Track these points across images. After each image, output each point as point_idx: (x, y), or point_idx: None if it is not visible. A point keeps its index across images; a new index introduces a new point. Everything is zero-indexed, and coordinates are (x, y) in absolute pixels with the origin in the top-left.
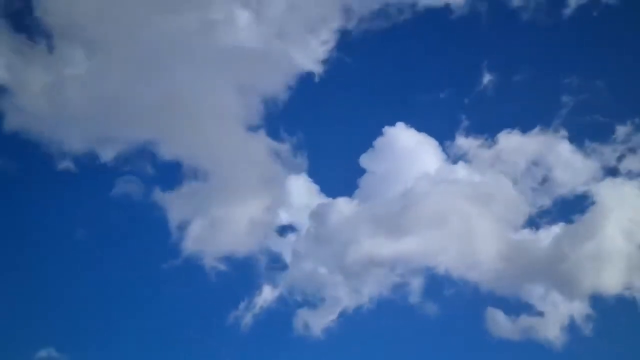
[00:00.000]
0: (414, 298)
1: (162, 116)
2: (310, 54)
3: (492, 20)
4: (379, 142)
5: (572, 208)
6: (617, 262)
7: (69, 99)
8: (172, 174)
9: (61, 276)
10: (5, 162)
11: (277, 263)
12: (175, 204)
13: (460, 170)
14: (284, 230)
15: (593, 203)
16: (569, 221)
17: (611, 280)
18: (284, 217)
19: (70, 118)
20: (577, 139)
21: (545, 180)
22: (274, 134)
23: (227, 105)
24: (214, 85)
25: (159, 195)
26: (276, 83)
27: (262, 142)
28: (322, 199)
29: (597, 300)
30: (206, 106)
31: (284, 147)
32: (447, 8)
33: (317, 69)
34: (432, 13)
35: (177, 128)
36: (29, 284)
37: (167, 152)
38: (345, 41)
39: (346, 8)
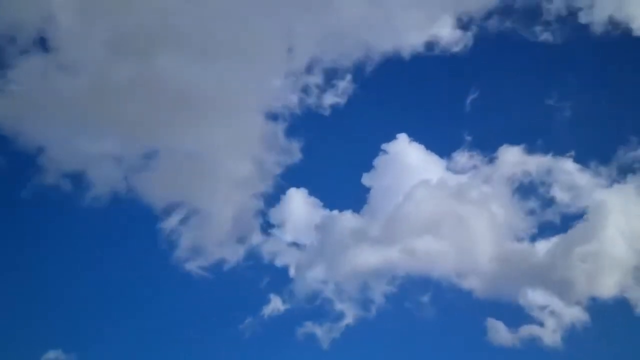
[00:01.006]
0: (419, 308)
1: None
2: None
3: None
4: (380, 157)
5: (569, 216)
6: (616, 267)
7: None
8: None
9: (67, 278)
10: None
11: (280, 276)
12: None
13: (462, 183)
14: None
15: (590, 210)
16: (567, 229)
17: (610, 286)
18: (288, 232)
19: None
20: (578, 155)
21: (544, 192)
22: (275, 148)
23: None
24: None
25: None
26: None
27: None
28: (324, 213)
29: (596, 307)
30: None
31: (285, 160)
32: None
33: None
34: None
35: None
36: (34, 286)
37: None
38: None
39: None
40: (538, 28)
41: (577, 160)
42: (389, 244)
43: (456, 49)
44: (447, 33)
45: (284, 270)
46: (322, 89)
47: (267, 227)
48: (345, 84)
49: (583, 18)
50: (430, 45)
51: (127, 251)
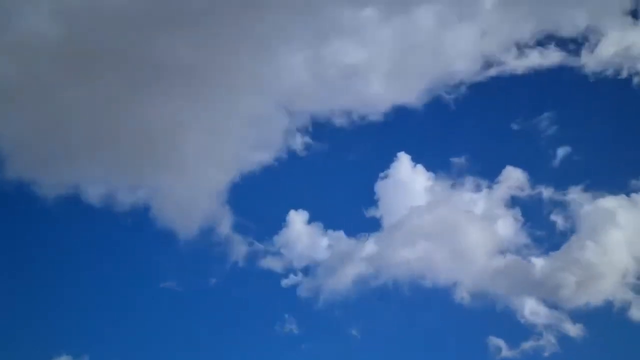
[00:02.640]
0: (423, 326)
1: None
2: None
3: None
4: (381, 178)
5: (565, 231)
6: (611, 278)
7: None
8: None
9: (75, 282)
10: None
11: (289, 296)
12: None
13: (462, 201)
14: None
15: (582, 223)
16: (563, 243)
17: (605, 295)
18: (293, 253)
19: None
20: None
21: (541, 209)
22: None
23: None
24: None
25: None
26: None
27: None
28: (326, 234)
29: (592, 317)
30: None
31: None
32: None
33: None
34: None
35: None
36: (42, 291)
37: None
38: None
39: None
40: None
41: (572, 181)
42: (393, 262)
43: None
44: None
45: (292, 290)
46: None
47: (272, 249)
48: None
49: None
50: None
51: (140, 256)
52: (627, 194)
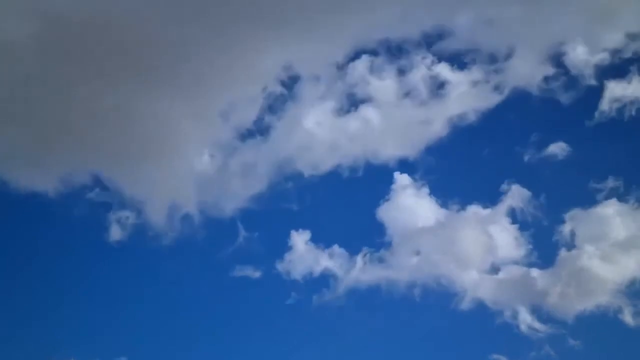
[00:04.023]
0: (431, 340)
1: None
2: None
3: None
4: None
5: (562, 243)
6: (612, 286)
7: None
8: None
9: (80, 284)
10: None
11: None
12: None
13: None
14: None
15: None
16: (561, 255)
17: (605, 304)
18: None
19: None
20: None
21: (541, 222)
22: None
23: None
24: None
25: None
26: None
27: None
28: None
29: (593, 326)
30: None
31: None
32: None
33: None
34: None
35: None
36: (46, 292)
37: None
38: None
39: None
40: None
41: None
42: (395, 278)
43: None
44: None
45: (296, 306)
46: None
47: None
48: None
49: None
50: None
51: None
52: (626, 202)
